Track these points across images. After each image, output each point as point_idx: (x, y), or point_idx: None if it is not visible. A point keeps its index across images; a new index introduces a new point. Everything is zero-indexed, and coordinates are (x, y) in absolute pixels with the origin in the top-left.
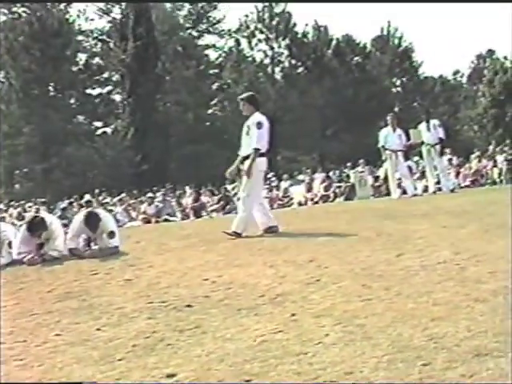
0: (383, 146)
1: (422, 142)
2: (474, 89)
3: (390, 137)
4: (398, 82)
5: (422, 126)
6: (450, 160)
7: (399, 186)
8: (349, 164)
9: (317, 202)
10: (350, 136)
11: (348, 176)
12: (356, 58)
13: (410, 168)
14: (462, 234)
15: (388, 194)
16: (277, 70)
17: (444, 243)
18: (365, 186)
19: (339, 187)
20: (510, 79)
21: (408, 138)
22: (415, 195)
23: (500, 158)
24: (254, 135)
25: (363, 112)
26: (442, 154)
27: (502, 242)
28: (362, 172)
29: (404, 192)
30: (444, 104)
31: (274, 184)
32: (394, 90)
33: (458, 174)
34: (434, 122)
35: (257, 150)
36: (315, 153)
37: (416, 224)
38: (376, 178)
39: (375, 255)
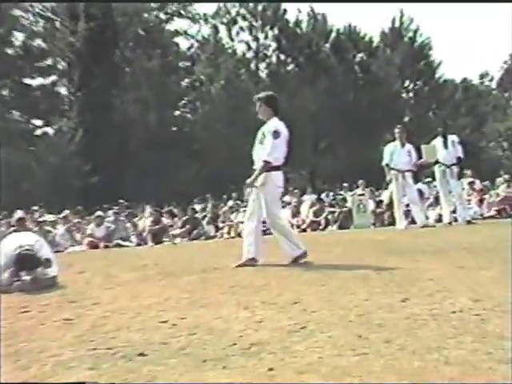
0: (388, 165)
1: (437, 162)
2: (505, 96)
3: (397, 153)
4: (411, 86)
5: (438, 142)
6: (470, 184)
7: (407, 214)
8: (345, 184)
9: (305, 230)
10: (348, 150)
11: (344, 199)
12: (359, 55)
13: (420, 192)
14: (482, 277)
15: (392, 223)
16: (262, 66)
17: (460, 287)
18: (364, 213)
19: (332, 212)
20: None
21: (419, 156)
22: (426, 226)
23: None
24: (268, 145)
25: (365, 122)
26: (460, 176)
27: None
28: (362, 195)
29: (412, 221)
30: (466, 115)
31: None
32: (404, 95)
33: (480, 201)
34: (453, 137)
35: (267, 162)
36: (305, 169)
37: (426, 262)
38: (378, 203)
39: (374, 299)
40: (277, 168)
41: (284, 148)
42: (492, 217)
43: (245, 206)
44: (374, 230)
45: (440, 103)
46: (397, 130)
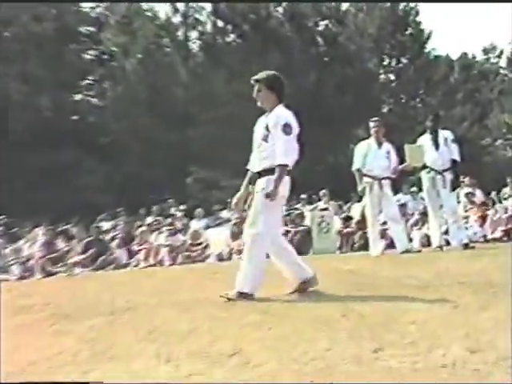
0: (360, 170)
1: (424, 166)
2: None
3: (372, 155)
4: (392, 64)
5: (426, 140)
6: (469, 195)
7: (384, 235)
8: (303, 196)
9: None
10: (307, 150)
11: (301, 215)
12: (323, 23)
13: (402, 206)
14: (483, 320)
15: (365, 247)
16: (193, 35)
17: (453, 334)
18: (327, 233)
19: (285, 233)
20: None
21: (401, 159)
22: (408, 251)
23: None
24: (281, 143)
25: (331, 111)
26: (455, 185)
27: None
28: (325, 210)
29: (391, 245)
30: (465, 103)
31: (178, 223)
32: (383, 76)
33: (482, 218)
34: (446, 134)
35: (284, 166)
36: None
37: (408, 300)
38: (346, 221)
39: (338, 348)
40: (287, 173)
41: (296, 147)
42: (497, 239)
43: (171, 224)
44: (341, 257)
45: (430, 87)
46: (372, 124)
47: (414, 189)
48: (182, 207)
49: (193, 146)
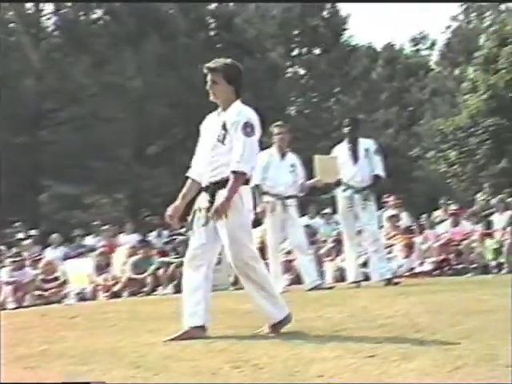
0: (259, 187)
1: (340, 183)
2: (454, 74)
3: (274, 168)
4: (304, 51)
5: (342, 151)
6: (392, 219)
7: (288, 266)
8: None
9: (117, 295)
10: (190, 161)
11: (186, 242)
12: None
13: (311, 232)
14: (405, 372)
15: None
16: (47, 8)
17: None
18: (218, 265)
19: (167, 265)
20: None
21: (310, 174)
22: (318, 287)
23: (499, 219)
24: (239, 146)
25: None
26: (378, 206)
27: None
28: None
29: (297, 280)
30: (390, 105)
31: (27, 253)
32: (290, 70)
33: (409, 247)
34: (367, 143)
35: (242, 174)
36: (121, 191)
37: (314, 347)
38: None
39: None
40: (246, 182)
41: (258, 151)
42: (427, 273)
43: (17, 255)
44: (235, 294)
45: (348, 85)
46: (275, 130)
47: (327, 210)
48: (32, 232)
49: (47, 152)
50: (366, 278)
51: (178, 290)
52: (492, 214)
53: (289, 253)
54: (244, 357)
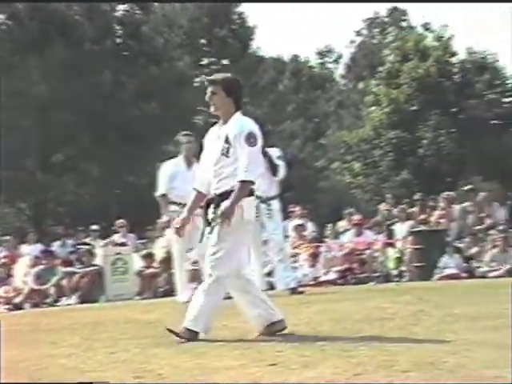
0: (165, 196)
1: None
2: (358, 87)
3: (181, 178)
4: (212, 60)
5: None
6: (298, 228)
7: (194, 277)
8: (95, 227)
9: (18, 307)
10: (101, 170)
11: (90, 252)
12: (123, 7)
13: None
14: (305, 380)
15: (171, 292)
16: None
17: None
18: (124, 275)
19: (70, 275)
20: (441, 61)
21: None
22: (224, 298)
23: (401, 228)
24: (244, 156)
25: (130, 121)
26: (283, 216)
27: None
28: (122, 245)
29: None
30: (297, 116)
31: None
32: (198, 80)
33: (314, 256)
34: (273, 152)
35: (246, 182)
36: (24, 200)
37: (216, 357)
38: (148, 259)
39: None
40: (250, 193)
41: (262, 160)
42: (331, 282)
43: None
44: (141, 304)
45: (254, 95)
46: (184, 139)
47: None
48: None
49: None
50: (272, 287)
51: (82, 300)
52: (394, 223)
53: (196, 263)
54: (147, 367)
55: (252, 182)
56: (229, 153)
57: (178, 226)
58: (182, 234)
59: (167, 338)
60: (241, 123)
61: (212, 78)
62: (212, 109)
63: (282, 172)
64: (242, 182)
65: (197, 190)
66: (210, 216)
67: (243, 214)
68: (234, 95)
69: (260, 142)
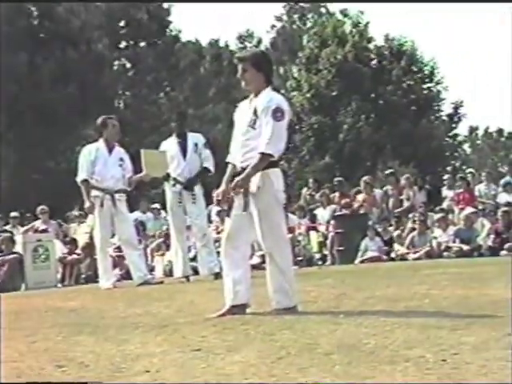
0: (87, 181)
1: (167, 177)
2: (279, 72)
3: (102, 162)
4: (131, 43)
5: (171, 145)
6: (221, 214)
7: (117, 263)
8: (14, 214)
9: None
10: (18, 154)
11: (10, 239)
12: None
13: (141, 226)
14: (229, 364)
15: (94, 278)
16: None
17: (193, 382)
18: (45, 262)
19: None
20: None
21: (138, 168)
22: (148, 283)
23: (323, 213)
24: (268, 130)
25: (48, 105)
26: (207, 201)
27: None
28: (42, 231)
29: (127, 275)
30: (218, 100)
31: None
32: (117, 63)
33: None
34: (197, 138)
35: (266, 155)
36: None
37: (140, 343)
38: (70, 245)
39: None
40: (275, 164)
41: (286, 136)
42: (255, 266)
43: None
44: (62, 292)
45: (175, 79)
46: (109, 123)
47: (156, 205)
48: None
49: None
50: (196, 272)
51: (1, 288)
52: (316, 208)
53: (118, 248)
54: (69, 355)
55: (272, 156)
56: (255, 124)
57: (219, 199)
58: (224, 206)
59: (89, 325)
60: (270, 97)
61: (241, 55)
62: (243, 85)
63: (209, 159)
64: (262, 154)
65: (230, 163)
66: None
67: (274, 185)
68: (264, 70)
69: (287, 117)
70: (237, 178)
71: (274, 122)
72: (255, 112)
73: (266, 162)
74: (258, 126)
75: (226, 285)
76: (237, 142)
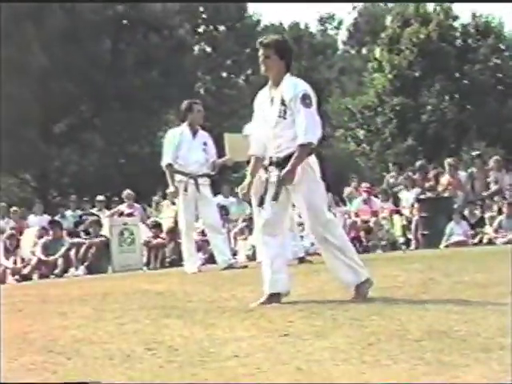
0: (171, 165)
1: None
2: (361, 53)
3: (185, 146)
4: (210, 28)
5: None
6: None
7: (201, 247)
8: (100, 198)
9: (26, 278)
10: (103, 140)
11: (97, 223)
12: None
13: (224, 211)
14: (318, 350)
15: (179, 262)
16: None
17: (282, 367)
18: (131, 245)
19: (78, 246)
20: (443, 25)
21: (221, 152)
22: (232, 267)
23: (407, 196)
24: (301, 118)
25: (130, 90)
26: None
27: None
28: (128, 215)
29: (211, 259)
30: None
31: None
32: (197, 48)
33: None
34: None
35: (306, 146)
36: (28, 170)
37: (228, 328)
38: (155, 229)
39: None
40: (311, 152)
41: (319, 120)
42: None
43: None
44: (148, 275)
45: (255, 62)
46: (194, 108)
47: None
48: None
49: None
50: None
51: (89, 271)
52: (399, 191)
53: (202, 232)
54: (158, 338)
55: (312, 144)
56: (286, 114)
57: (244, 192)
58: (248, 199)
59: (177, 308)
60: (294, 85)
61: (265, 41)
62: (263, 70)
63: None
64: (302, 145)
65: (254, 155)
66: (274, 179)
67: (313, 172)
68: (286, 57)
69: (315, 101)
70: (283, 172)
71: (304, 109)
72: (283, 102)
73: (308, 150)
74: (288, 116)
75: (265, 273)
76: (262, 133)
